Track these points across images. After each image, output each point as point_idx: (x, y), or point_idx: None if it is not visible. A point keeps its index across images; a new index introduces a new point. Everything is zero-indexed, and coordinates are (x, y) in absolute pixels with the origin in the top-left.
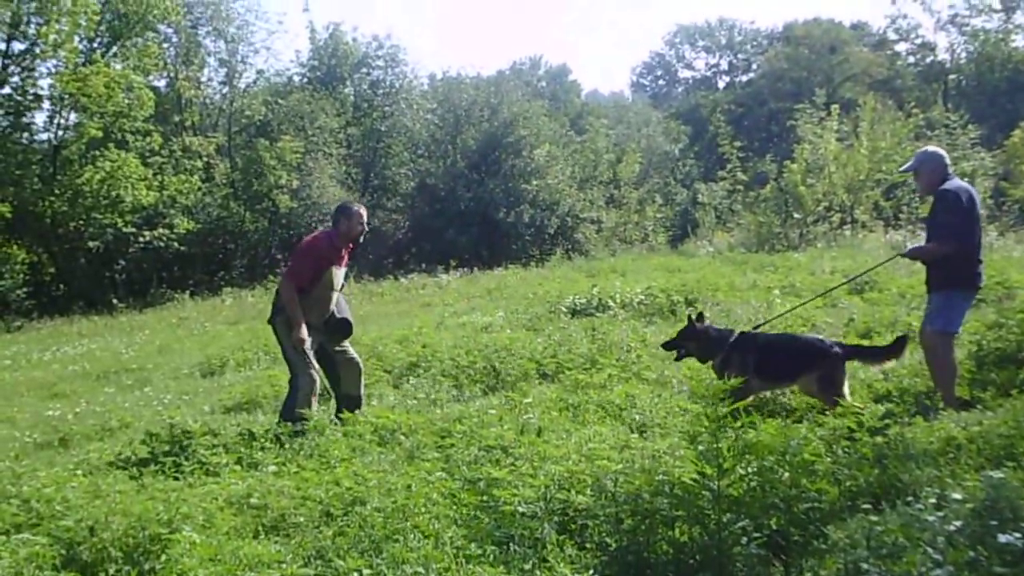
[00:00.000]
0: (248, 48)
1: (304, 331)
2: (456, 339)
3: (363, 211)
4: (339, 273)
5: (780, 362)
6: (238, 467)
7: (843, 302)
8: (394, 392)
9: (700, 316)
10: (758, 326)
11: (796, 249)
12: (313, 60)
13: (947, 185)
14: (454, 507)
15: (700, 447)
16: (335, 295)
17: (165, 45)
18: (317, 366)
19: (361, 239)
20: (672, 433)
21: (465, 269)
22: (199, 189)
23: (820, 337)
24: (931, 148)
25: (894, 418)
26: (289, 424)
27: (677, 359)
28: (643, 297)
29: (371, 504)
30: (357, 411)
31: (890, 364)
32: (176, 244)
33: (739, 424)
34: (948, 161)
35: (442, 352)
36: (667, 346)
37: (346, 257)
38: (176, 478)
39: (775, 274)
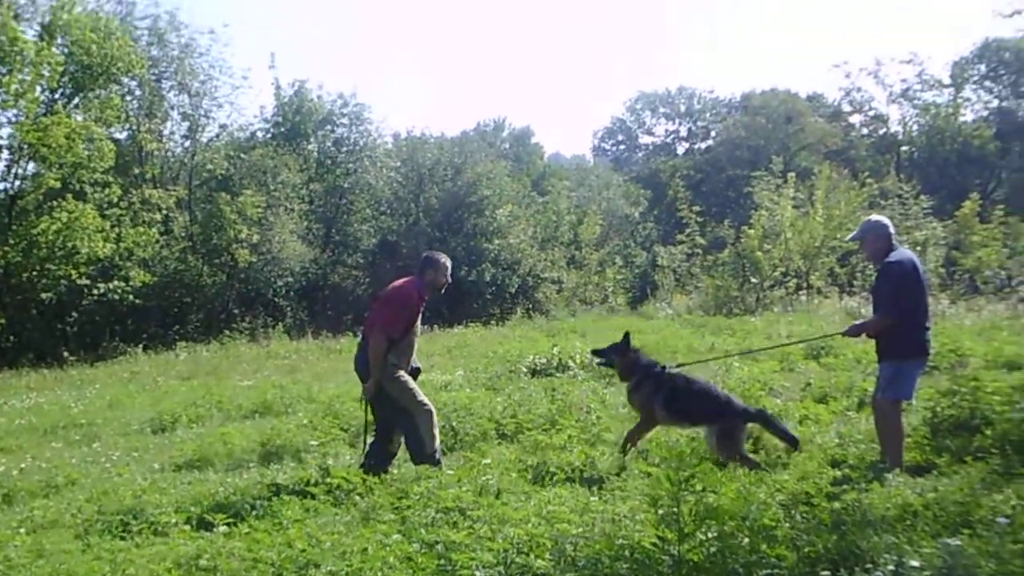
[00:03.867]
0: (212, 102)
1: (405, 375)
2: None
3: (449, 263)
4: (418, 321)
5: (688, 404)
6: (187, 527)
7: (800, 367)
8: (350, 451)
9: (627, 336)
10: (680, 365)
11: (753, 313)
12: (277, 116)
13: (891, 256)
14: (410, 571)
15: (660, 511)
16: (417, 341)
17: (128, 97)
18: (424, 397)
19: (444, 291)
20: (633, 496)
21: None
22: (157, 242)
23: (730, 395)
24: (875, 217)
25: (851, 484)
26: (428, 464)
27: (599, 364)
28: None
29: (325, 567)
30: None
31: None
32: (131, 297)
33: (700, 488)
34: (892, 230)
35: None
36: (596, 352)
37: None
38: (123, 538)
39: (732, 337)
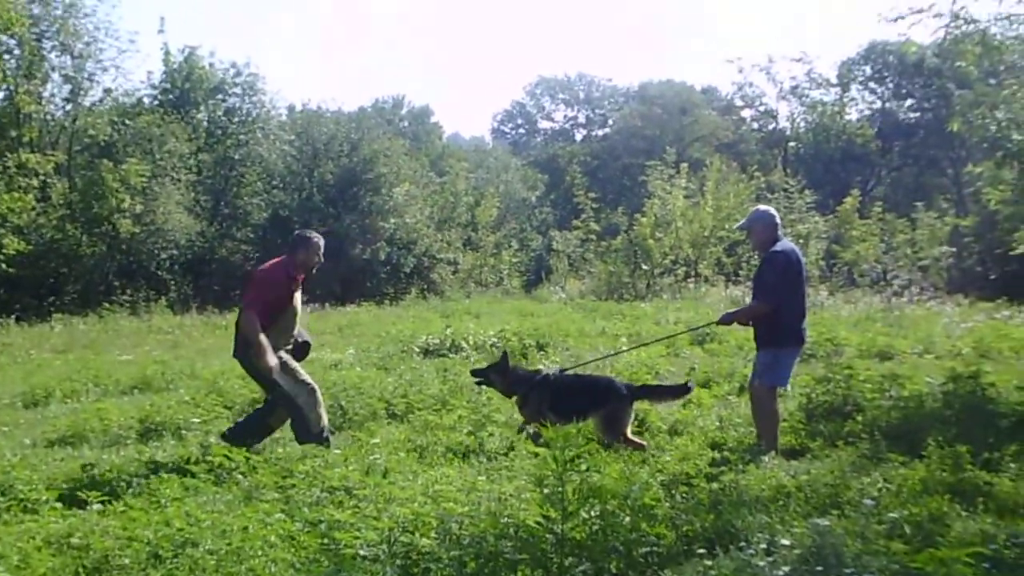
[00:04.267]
0: (96, 65)
1: (273, 358)
2: None
3: (322, 243)
4: (297, 298)
5: (573, 401)
6: (59, 504)
7: (685, 352)
8: None
9: (505, 356)
10: (564, 369)
11: (643, 299)
12: (166, 83)
13: (776, 247)
14: (293, 550)
15: (546, 490)
16: (297, 320)
17: (6, 56)
18: (307, 376)
19: (315, 270)
20: (519, 476)
21: (316, 304)
22: (33, 209)
23: (612, 379)
24: (763, 208)
25: (728, 466)
26: (315, 443)
27: (478, 384)
28: (496, 340)
29: (203, 546)
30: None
31: (678, 402)
32: (3, 266)
33: (584, 468)
34: (779, 222)
35: None
36: (474, 373)
37: (300, 286)
38: None
39: (623, 322)
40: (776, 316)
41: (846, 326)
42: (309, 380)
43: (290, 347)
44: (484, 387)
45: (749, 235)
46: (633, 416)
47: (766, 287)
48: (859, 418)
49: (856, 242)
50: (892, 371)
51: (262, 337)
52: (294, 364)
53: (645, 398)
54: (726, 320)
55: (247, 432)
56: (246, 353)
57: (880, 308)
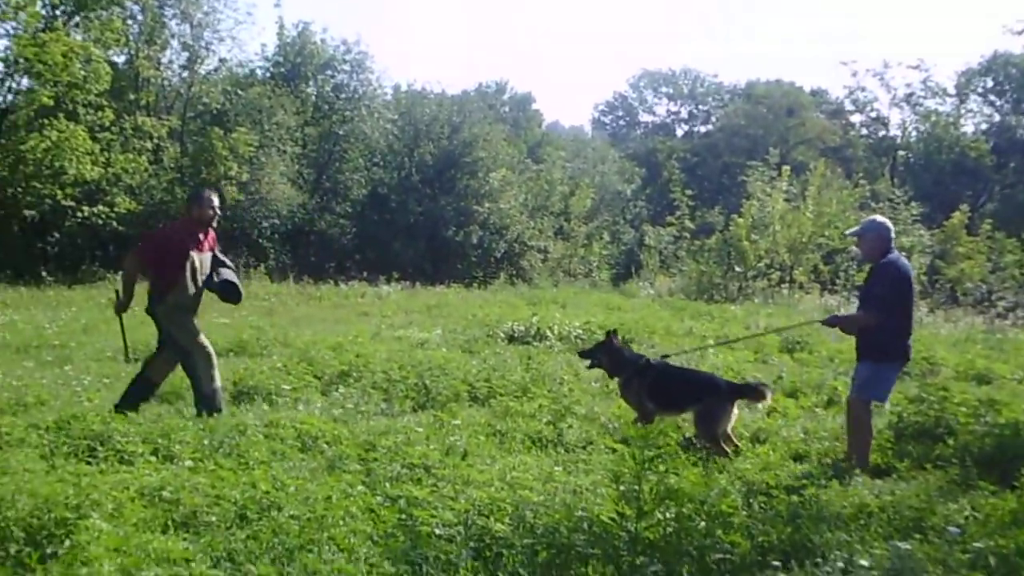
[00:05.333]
0: (213, 35)
1: (126, 307)
2: (390, 352)
3: (214, 197)
4: (203, 258)
5: (672, 391)
6: (153, 458)
7: (774, 359)
8: (322, 399)
9: (615, 332)
10: (665, 356)
11: (734, 302)
12: (278, 56)
13: (889, 258)
14: (372, 523)
15: (622, 487)
16: (201, 279)
17: (129, 22)
18: (207, 341)
19: (215, 223)
20: (596, 470)
21: (407, 283)
22: (146, 170)
23: (714, 375)
24: (879, 218)
25: (811, 479)
26: (208, 407)
27: (589, 367)
28: (581, 331)
29: (287, 511)
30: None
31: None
32: (115, 223)
33: (663, 469)
34: (893, 235)
35: (375, 364)
36: (583, 354)
37: (207, 243)
38: (88, 463)
39: (711, 323)
40: (882, 329)
41: (945, 345)
42: (207, 344)
43: (215, 288)
44: (592, 368)
45: (859, 243)
46: (735, 415)
47: (875, 299)
48: (951, 442)
49: (962, 259)
50: (989, 396)
51: (129, 282)
52: (194, 326)
53: (744, 396)
54: (831, 322)
55: (135, 394)
56: (155, 305)
57: (982, 329)
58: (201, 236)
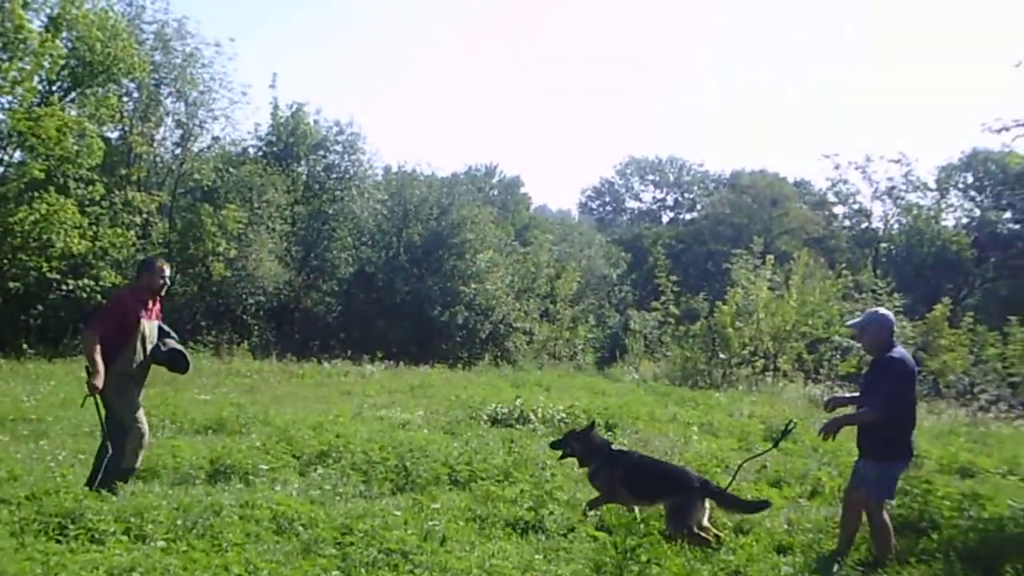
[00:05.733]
0: (207, 113)
1: (101, 379)
2: (371, 432)
3: (166, 266)
4: (151, 326)
5: (645, 482)
6: (125, 537)
7: (758, 448)
8: (299, 479)
9: (592, 424)
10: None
11: (718, 388)
12: (271, 135)
13: (894, 353)
14: None
15: None
16: (149, 347)
17: (125, 98)
18: (144, 422)
19: (164, 292)
20: (577, 559)
21: (391, 362)
22: (133, 245)
23: (687, 469)
24: (881, 311)
25: (795, 571)
26: (118, 478)
27: (561, 458)
28: (565, 415)
29: None
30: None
31: (751, 517)
32: (99, 296)
33: (645, 559)
34: (895, 328)
35: (355, 444)
36: (554, 445)
37: (154, 312)
38: (59, 541)
39: (695, 410)
40: (887, 426)
41: (928, 438)
42: (143, 423)
43: (162, 358)
44: (564, 459)
45: (861, 335)
46: (707, 511)
47: (882, 395)
48: (934, 536)
49: (944, 351)
50: (973, 490)
51: (97, 356)
52: (135, 398)
53: (716, 500)
54: (833, 428)
55: (113, 470)
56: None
57: (965, 422)
58: (150, 303)
